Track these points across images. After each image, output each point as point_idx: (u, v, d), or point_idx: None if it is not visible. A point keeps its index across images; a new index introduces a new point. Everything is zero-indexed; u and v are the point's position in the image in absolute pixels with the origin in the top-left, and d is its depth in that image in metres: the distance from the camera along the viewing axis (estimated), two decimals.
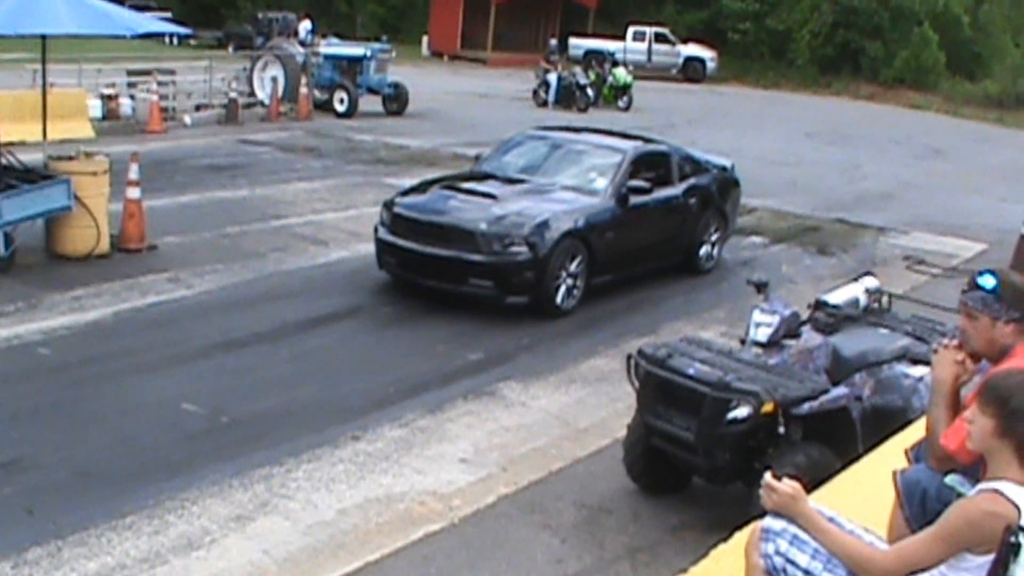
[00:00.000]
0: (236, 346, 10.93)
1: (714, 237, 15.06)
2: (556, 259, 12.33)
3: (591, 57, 40.92)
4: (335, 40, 34.49)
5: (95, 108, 24.78)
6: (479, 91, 39.58)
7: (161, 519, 7.36)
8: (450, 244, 12.26)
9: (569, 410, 9.86)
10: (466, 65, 52.28)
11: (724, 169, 15.81)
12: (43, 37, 14.83)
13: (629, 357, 7.85)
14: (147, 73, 27.27)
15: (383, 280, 13.29)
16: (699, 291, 14.16)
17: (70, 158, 13.91)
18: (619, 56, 44.90)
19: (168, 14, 45.99)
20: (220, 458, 8.35)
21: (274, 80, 29.45)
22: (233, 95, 27.72)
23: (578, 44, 50.20)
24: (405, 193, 13.67)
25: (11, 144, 14.61)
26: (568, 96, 35.66)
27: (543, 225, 12.34)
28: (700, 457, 7.40)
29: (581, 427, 9.48)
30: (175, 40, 47.55)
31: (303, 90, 28.88)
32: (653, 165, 14.26)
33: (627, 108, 36.46)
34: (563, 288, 12.52)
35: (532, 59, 44.06)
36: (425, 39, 56.10)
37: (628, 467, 8.09)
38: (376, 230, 13.20)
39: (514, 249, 12.13)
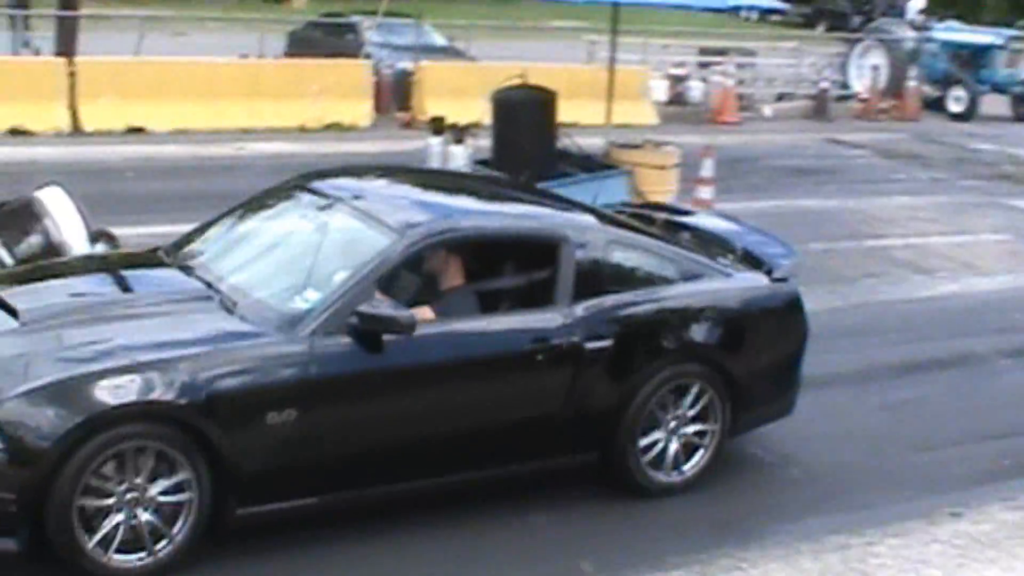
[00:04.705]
0: (813, 385, 10.99)
1: (687, 422, 8.64)
2: (84, 469, 6.58)
3: None
4: (954, 24, 33.98)
5: (657, 90, 25.79)
6: None
7: None
8: None
9: None
10: None
11: (761, 266, 9.57)
12: (615, 5, 15.56)
13: None
14: (722, 53, 28.02)
15: (1003, 326, 13.06)
16: None
17: (635, 146, 14.45)
18: None
19: None
20: (786, 517, 8.49)
21: (875, 69, 29.48)
22: (823, 85, 28.01)
23: None
24: None
25: (566, 126, 15.32)
26: None
27: (57, 389, 6.68)
28: None
29: None
30: (754, 15, 48.61)
31: (910, 84, 28.75)
32: (516, 260, 8.52)
33: None
34: (119, 526, 6.76)
35: None
36: None
37: None
38: None
39: None
